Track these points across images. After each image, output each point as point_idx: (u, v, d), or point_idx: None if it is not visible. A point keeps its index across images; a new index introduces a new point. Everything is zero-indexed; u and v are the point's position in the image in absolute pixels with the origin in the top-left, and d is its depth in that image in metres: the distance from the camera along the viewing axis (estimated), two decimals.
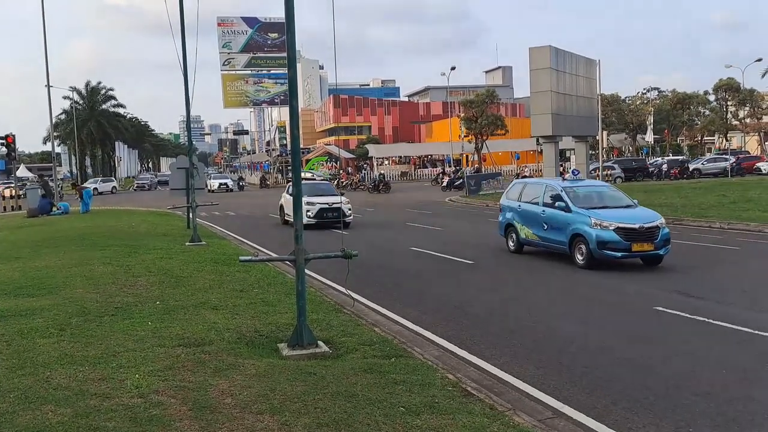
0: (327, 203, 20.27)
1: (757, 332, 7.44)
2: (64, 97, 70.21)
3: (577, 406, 5.39)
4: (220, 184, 53.49)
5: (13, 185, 36.90)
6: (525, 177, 46.03)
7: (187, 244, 15.45)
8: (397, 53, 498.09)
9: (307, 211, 19.39)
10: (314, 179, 37.63)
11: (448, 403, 5.12)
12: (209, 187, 50.56)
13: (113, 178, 65.89)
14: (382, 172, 57.96)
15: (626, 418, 5.15)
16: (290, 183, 22.38)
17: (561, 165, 39.61)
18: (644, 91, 72.60)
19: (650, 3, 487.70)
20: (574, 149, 43.31)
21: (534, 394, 5.69)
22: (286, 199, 21.58)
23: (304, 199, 18.52)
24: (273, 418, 4.70)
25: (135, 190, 62.24)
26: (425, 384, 5.58)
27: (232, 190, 52.58)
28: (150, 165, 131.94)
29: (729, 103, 63.01)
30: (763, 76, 56.92)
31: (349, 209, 20.78)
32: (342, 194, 21.79)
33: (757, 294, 9.69)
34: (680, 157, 53.36)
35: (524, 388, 5.84)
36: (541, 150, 36.14)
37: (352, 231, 19.59)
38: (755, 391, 5.70)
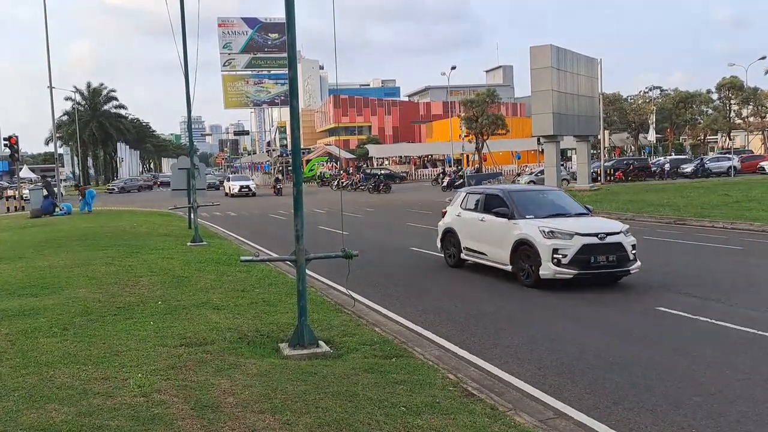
0: (596, 234, 10.18)
1: (760, 333, 7.43)
2: (66, 98, 70.49)
3: (578, 407, 5.40)
4: (242, 186, 45.09)
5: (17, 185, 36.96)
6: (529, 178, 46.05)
7: (188, 244, 15.48)
8: (397, 53, 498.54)
9: (556, 251, 10.02)
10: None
11: (449, 403, 5.13)
12: (229, 191, 45.68)
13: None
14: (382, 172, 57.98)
15: (628, 419, 5.15)
16: (466, 191, 13.17)
17: (562, 164, 39.51)
18: (646, 90, 72.66)
19: (652, 1, 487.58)
20: (575, 149, 43.35)
21: (535, 394, 5.69)
22: (465, 219, 12.32)
23: (537, 224, 10.51)
24: (274, 418, 4.71)
25: (108, 192, 58.85)
26: (426, 384, 5.58)
27: (254, 195, 44.80)
28: (151, 165, 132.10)
29: (732, 101, 62.96)
30: (766, 73, 56.89)
31: (633, 244, 10.40)
32: (590, 210, 11.76)
33: (760, 294, 9.67)
34: (627, 158, 52.06)
35: (525, 388, 5.84)
36: (542, 150, 36.16)
37: (352, 231, 19.52)
38: (758, 392, 5.69)
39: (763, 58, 53.60)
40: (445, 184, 44.41)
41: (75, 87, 72.36)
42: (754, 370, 6.24)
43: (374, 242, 16.84)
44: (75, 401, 4.94)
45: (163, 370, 5.77)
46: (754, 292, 9.75)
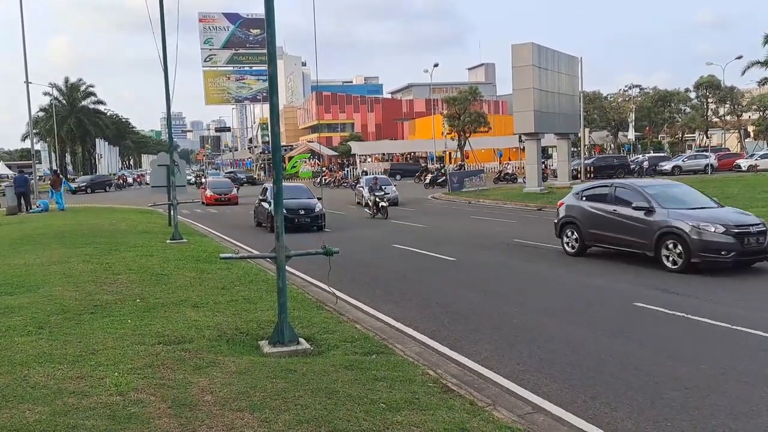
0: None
1: (735, 328, 7.55)
2: (44, 94, 69.43)
3: (556, 401, 5.44)
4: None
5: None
6: (508, 174, 46.36)
7: (168, 241, 15.33)
8: (380, 50, 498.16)
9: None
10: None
11: (428, 399, 5.14)
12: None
13: None
14: (365, 169, 57.95)
15: (605, 413, 5.20)
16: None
17: (543, 162, 39.72)
18: (626, 89, 73.20)
19: (635, 1, 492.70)
20: (556, 146, 43.64)
21: (514, 390, 5.73)
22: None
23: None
24: (253, 416, 4.68)
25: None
26: (406, 380, 5.59)
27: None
28: (131, 162, 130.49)
29: (710, 100, 63.77)
30: (743, 73, 57.77)
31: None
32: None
33: (736, 290, 9.83)
34: (606, 155, 51.71)
35: (505, 384, 5.87)
36: (524, 147, 36.37)
37: (334, 228, 19.56)
38: (733, 386, 5.78)
39: (740, 57, 54.48)
40: (427, 181, 44.55)
41: (53, 83, 71.10)
42: (729, 364, 6.34)
43: (356, 239, 16.83)
44: (50, 401, 4.86)
45: (141, 368, 5.70)
46: (729, 288, 9.90)
